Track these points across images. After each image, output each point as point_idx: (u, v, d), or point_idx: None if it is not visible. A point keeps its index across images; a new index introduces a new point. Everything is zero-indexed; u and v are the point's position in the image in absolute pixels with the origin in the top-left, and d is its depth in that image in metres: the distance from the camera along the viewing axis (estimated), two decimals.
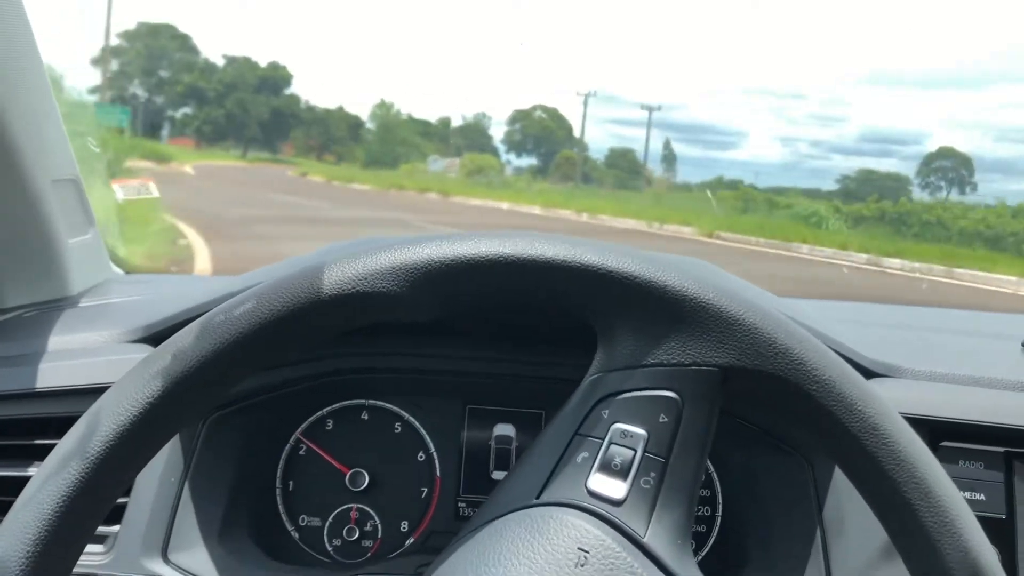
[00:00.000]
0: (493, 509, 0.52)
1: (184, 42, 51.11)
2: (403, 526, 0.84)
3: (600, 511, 0.50)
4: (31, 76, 0.92)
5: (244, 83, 50.09)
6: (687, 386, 0.51)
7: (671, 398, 0.51)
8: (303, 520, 0.85)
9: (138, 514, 0.74)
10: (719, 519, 0.83)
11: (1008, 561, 0.72)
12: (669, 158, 50.72)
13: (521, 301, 0.51)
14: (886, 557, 0.72)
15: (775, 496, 0.79)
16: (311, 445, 0.85)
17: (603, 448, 0.52)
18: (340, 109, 53.29)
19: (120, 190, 1.66)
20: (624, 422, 0.52)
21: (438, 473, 0.85)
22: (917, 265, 10.93)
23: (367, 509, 0.85)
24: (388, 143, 47.37)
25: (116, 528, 0.74)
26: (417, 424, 0.86)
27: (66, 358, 0.82)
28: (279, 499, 0.84)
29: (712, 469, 0.83)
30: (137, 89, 51.11)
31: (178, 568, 0.73)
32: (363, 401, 0.87)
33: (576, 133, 59.74)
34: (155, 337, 0.84)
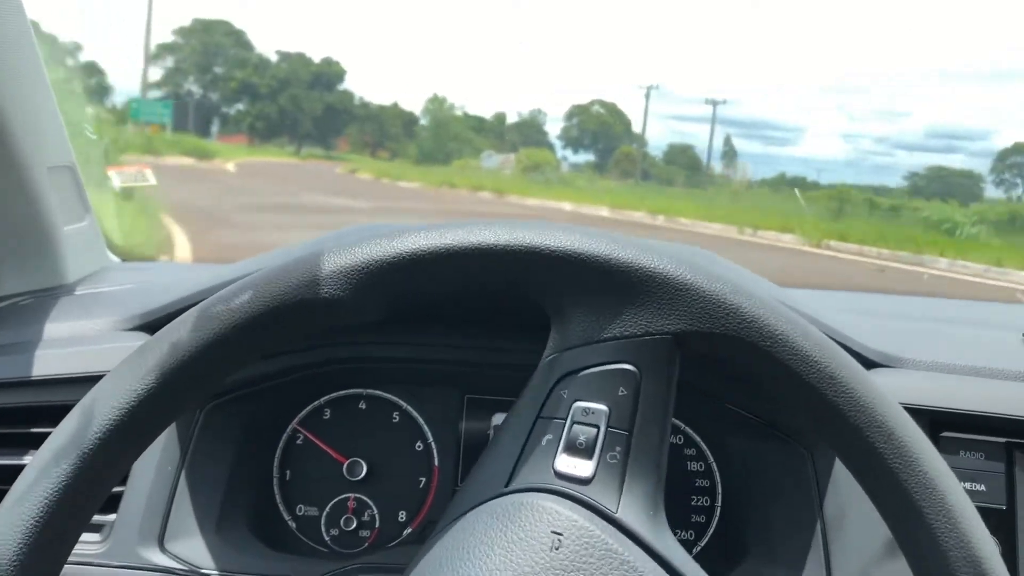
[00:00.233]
0: (465, 502, 0.54)
1: (238, 38, 50.09)
2: (401, 516, 0.88)
3: (570, 492, 0.52)
4: (26, 63, 0.96)
5: (297, 79, 49.05)
6: (643, 357, 0.52)
7: (628, 370, 0.52)
8: (300, 510, 0.88)
9: (135, 503, 0.77)
10: (719, 509, 0.86)
11: (1009, 552, 0.75)
12: (730, 154, 49.23)
13: (470, 291, 0.53)
14: (888, 553, 0.74)
15: (775, 487, 0.82)
16: (308, 435, 0.88)
17: (566, 428, 0.53)
18: (395, 105, 52.69)
19: (117, 177, 1.62)
20: (584, 400, 0.53)
21: (436, 463, 0.88)
22: None
23: (365, 499, 0.88)
24: (441, 139, 45.31)
25: (112, 517, 0.77)
26: (415, 414, 0.89)
27: (62, 346, 0.85)
28: (276, 488, 0.87)
29: (712, 459, 0.87)
30: (192, 86, 49.58)
31: (175, 557, 0.76)
32: (361, 390, 0.90)
33: (636, 128, 55.85)
34: (151, 325, 0.87)
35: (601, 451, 0.52)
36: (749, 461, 0.85)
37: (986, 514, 0.55)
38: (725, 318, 0.51)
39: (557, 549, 0.49)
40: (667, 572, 0.50)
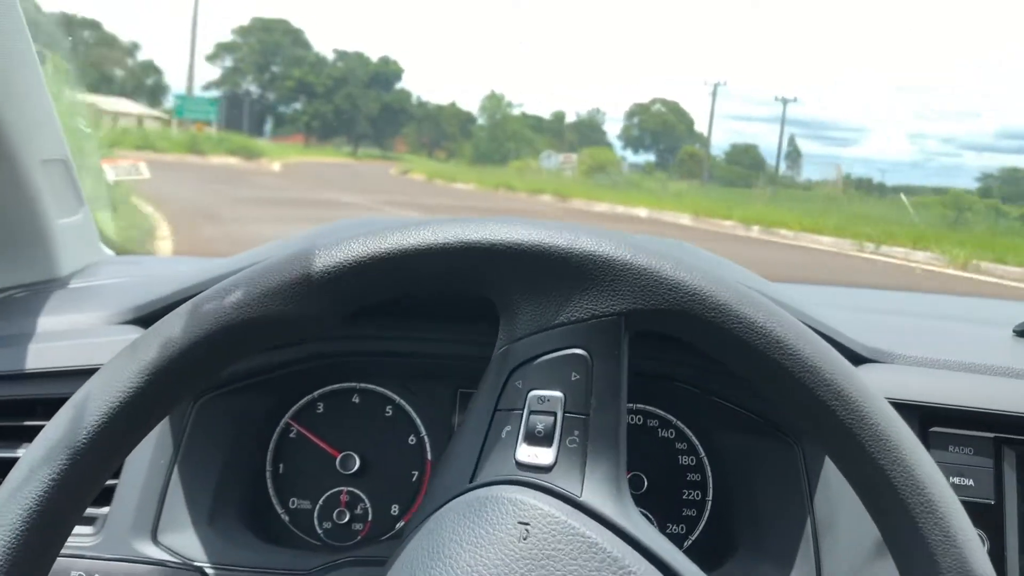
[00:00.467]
0: (432, 501, 0.57)
1: (296, 37, 49.38)
2: (393, 509, 0.91)
3: (533, 481, 0.54)
4: (20, 56, 0.99)
5: (354, 78, 48.05)
6: (592, 340, 0.54)
7: (579, 355, 0.54)
8: (293, 503, 0.91)
9: (128, 496, 0.80)
10: (709, 503, 0.90)
11: (996, 546, 0.79)
12: (794, 154, 48.06)
13: (420, 291, 0.56)
14: (878, 548, 0.77)
15: (765, 482, 0.86)
16: (301, 428, 0.92)
17: (524, 418, 0.55)
18: (452, 105, 51.53)
19: (111, 170, 1.59)
20: (539, 388, 0.55)
21: (429, 457, 0.92)
22: None
23: (357, 492, 0.91)
24: (497, 138, 43.36)
25: (105, 510, 0.80)
26: (408, 408, 0.92)
27: (55, 339, 0.89)
28: (269, 482, 0.91)
29: (703, 453, 0.90)
30: (250, 85, 48.60)
31: (168, 549, 0.78)
32: (354, 384, 0.93)
33: (698, 127, 52.83)
34: (145, 319, 0.91)
35: (560, 437, 0.54)
36: (740, 456, 0.89)
37: (974, 509, 0.58)
38: (668, 293, 0.53)
39: (525, 539, 0.51)
40: (635, 550, 0.52)
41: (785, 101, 48.78)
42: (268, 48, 52.60)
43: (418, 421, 0.91)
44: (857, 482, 0.53)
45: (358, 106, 50.25)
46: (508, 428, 0.55)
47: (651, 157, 55.01)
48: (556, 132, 53.76)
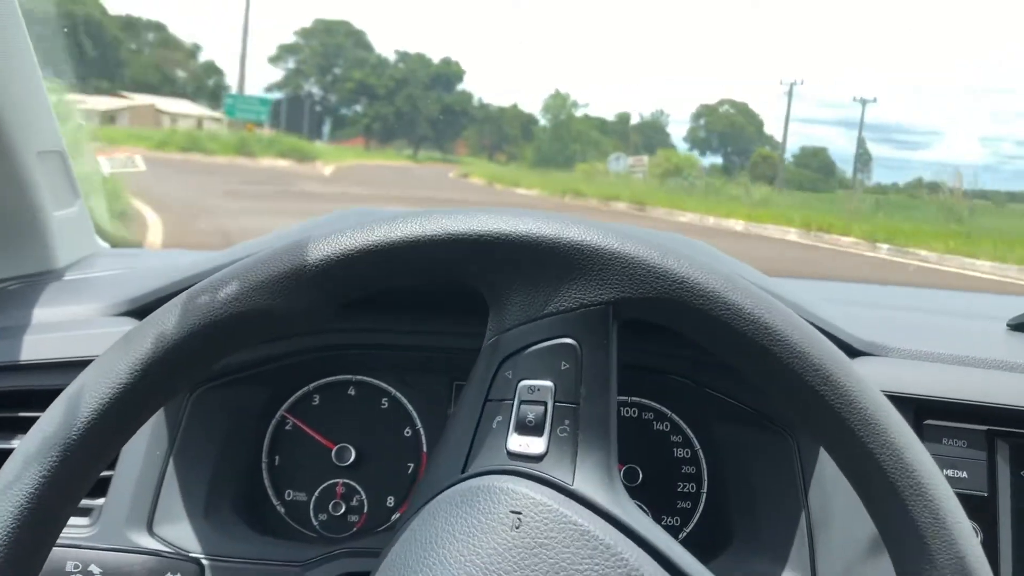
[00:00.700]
0: (425, 493, 0.57)
1: (358, 39, 48.24)
2: (389, 501, 0.90)
3: (524, 470, 0.54)
4: (16, 48, 0.99)
5: (415, 79, 46.55)
6: (581, 329, 0.54)
7: (568, 344, 0.54)
8: (289, 495, 0.90)
9: (123, 487, 0.80)
10: (704, 496, 0.89)
11: (989, 538, 0.79)
12: (864, 158, 45.03)
13: (409, 283, 0.55)
14: (873, 542, 0.76)
15: (761, 474, 0.85)
16: (297, 421, 0.91)
17: (515, 408, 0.55)
18: (514, 107, 49.26)
19: (107, 163, 1.59)
20: (529, 378, 0.55)
21: (424, 449, 0.91)
22: None
23: (353, 484, 0.90)
24: (562, 139, 40.95)
25: (101, 501, 0.80)
26: (404, 400, 0.91)
27: (51, 331, 0.88)
28: (265, 474, 0.90)
29: (698, 446, 0.90)
30: (313, 87, 47.51)
31: (163, 541, 0.77)
32: (350, 377, 0.92)
33: (767, 130, 50.13)
34: (139, 311, 0.90)
35: (551, 427, 0.54)
36: (735, 449, 0.88)
37: (968, 501, 0.57)
38: (655, 281, 0.52)
39: (518, 528, 0.50)
40: (628, 537, 0.52)
41: (864, 102, 46.00)
42: (330, 50, 51.87)
43: (414, 413, 0.89)
44: (847, 467, 0.52)
45: (419, 108, 49.28)
46: (499, 418, 0.55)
47: (718, 159, 54.05)
48: (621, 134, 52.09)
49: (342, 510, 0.88)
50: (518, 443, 0.53)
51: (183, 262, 0.95)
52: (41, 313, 0.90)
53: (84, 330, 0.85)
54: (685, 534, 0.87)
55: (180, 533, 0.77)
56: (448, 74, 53.76)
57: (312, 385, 0.89)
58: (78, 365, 0.65)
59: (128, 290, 0.91)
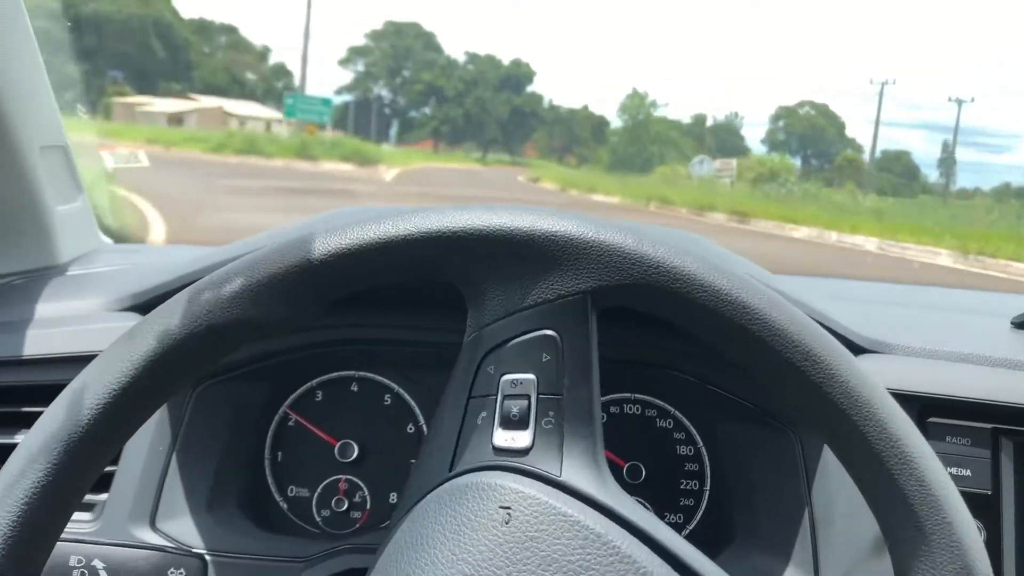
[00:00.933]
0: (413, 494, 0.57)
1: (428, 40, 46.84)
2: (391, 497, 0.91)
3: (511, 464, 0.54)
4: (20, 43, 0.99)
5: (485, 81, 45.01)
6: (560, 320, 0.54)
7: (548, 336, 0.54)
8: (292, 491, 0.90)
9: (126, 482, 0.80)
10: (707, 492, 0.89)
11: (993, 536, 0.79)
12: (948, 162, 43.34)
13: (387, 281, 0.55)
14: (876, 540, 0.76)
15: (763, 471, 0.85)
16: (300, 417, 0.91)
17: (498, 403, 0.55)
18: (584, 108, 47.20)
19: (110, 158, 1.55)
20: (511, 372, 0.55)
21: None
22: None
23: (356, 480, 0.90)
24: (640, 141, 38.40)
25: (104, 496, 0.80)
26: (407, 396, 0.91)
27: (54, 326, 0.89)
28: (268, 470, 0.90)
29: (701, 443, 0.89)
30: (382, 90, 46.39)
31: (166, 536, 0.78)
32: (353, 373, 0.91)
33: (849, 132, 47.40)
34: (142, 306, 0.90)
35: (536, 419, 0.54)
36: (738, 445, 0.87)
37: (971, 499, 0.57)
38: (631, 268, 0.52)
39: (508, 523, 0.50)
40: (618, 524, 0.52)
41: (960, 102, 42.42)
42: (400, 52, 51.03)
43: (416, 410, 0.90)
44: (834, 443, 0.52)
45: (488, 110, 48.11)
46: (483, 414, 0.55)
47: (798, 163, 50.73)
48: (697, 136, 49.87)
49: (345, 506, 0.87)
50: (504, 438, 0.53)
51: (185, 258, 0.95)
52: (44, 308, 0.91)
53: (87, 325, 0.85)
54: (688, 531, 0.87)
55: (183, 528, 0.77)
56: (518, 75, 52.43)
57: (315, 381, 0.89)
58: (81, 360, 0.67)
59: (131, 285, 0.91)
